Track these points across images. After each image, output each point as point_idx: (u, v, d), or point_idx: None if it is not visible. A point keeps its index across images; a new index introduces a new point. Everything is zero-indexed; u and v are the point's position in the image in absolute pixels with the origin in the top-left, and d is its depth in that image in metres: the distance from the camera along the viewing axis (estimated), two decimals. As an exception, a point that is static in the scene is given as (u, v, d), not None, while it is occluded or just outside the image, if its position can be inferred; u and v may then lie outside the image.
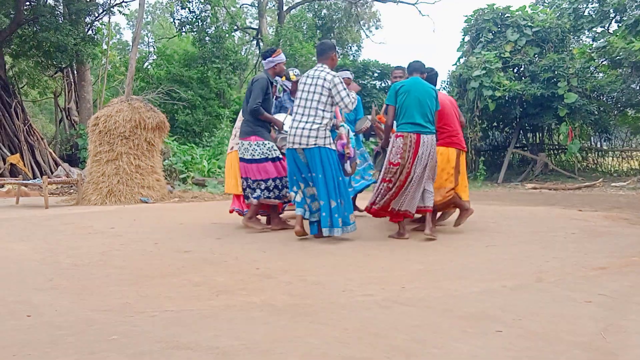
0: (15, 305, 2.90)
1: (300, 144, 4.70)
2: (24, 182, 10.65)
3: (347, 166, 5.17)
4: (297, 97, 4.86)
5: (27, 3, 16.42)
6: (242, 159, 5.34)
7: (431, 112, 4.88)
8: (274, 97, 5.99)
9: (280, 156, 5.31)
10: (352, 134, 5.73)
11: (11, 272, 3.78)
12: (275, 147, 5.30)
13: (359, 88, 6.79)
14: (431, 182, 4.98)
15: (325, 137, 4.71)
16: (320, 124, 4.70)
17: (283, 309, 2.79)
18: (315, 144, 4.67)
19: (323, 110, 4.73)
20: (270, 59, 5.45)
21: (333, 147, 4.80)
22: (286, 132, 5.23)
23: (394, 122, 5.04)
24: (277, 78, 5.75)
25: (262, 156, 5.23)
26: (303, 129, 4.70)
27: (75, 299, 3.03)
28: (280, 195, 5.34)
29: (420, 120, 4.80)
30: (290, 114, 5.52)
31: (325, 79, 4.74)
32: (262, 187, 5.26)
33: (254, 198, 5.28)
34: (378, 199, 4.93)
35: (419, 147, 4.76)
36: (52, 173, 15.36)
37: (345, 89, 4.80)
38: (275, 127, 5.48)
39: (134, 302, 2.94)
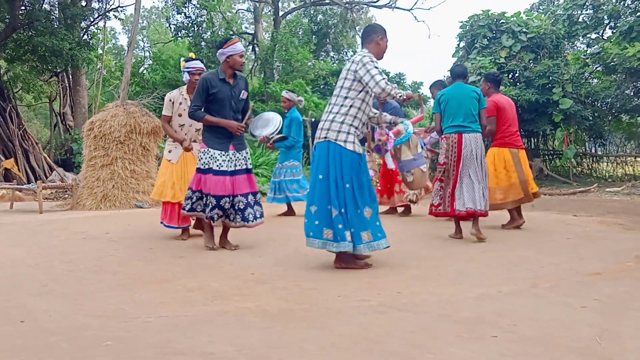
0: (9, 311, 2.88)
1: (318, 138, 3.95)
2: (19, 186, 10.60)
3: (390, 160, 4.51)
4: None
5: (23, 7, 16.39)
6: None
7: (473, 112, 5.16)
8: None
9: (218, 170, 4.55)
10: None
11: (5, 277, 3.75)
12: (214, 157, 4.56)
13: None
14: (485, 186, 5.17)
15: (338, 131, 3.83)
16: (337, 113, 3.89)
17: (278, 315, 2.78)
18: (325, 137, 3.87)
19: (345, 98, 3.90)
20: (221, 50, 4.58)
21: (353, 148, 3.86)
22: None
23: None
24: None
25: (198, 165, 4.69)
26: (325, 120, 3.94)
27: (70, 305, 3.01)
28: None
29: (460, 121, 5.13)
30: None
31: (353, 61, 3.92)
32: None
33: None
34: (437, 199, 5.26)
35: (462, 145, 5.09)
36: (46, 178, 15.31)
37: (377, 67, 3.86)
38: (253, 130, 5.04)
39: (128, 308, 2.92)
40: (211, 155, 4.57)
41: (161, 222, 5.48)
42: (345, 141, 3.83)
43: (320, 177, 3.86)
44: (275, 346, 2.33)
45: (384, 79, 3.81)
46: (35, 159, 16.19)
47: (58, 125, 20.31)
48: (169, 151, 5.43)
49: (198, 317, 2.74)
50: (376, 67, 3.85)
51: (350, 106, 3.89)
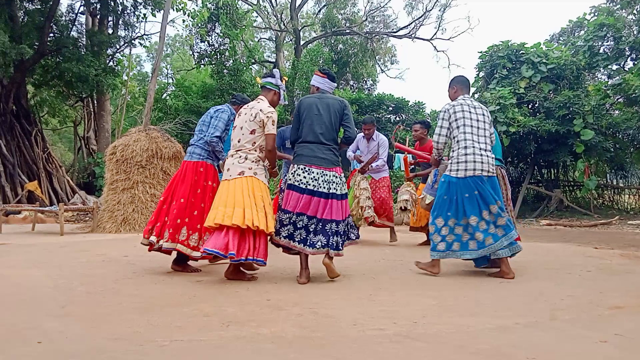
0: (26, 332, 2.92)
1: (489, 171, 4.67)
2: (41, 208, 10.77)
3: None
4: (464, 124, 4.71)
5: (51, 35, 16.89)
6: (319, 193, 4.41)
7: None
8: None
9: None
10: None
11: (24, 298, 3.80)
12: None
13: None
14: None
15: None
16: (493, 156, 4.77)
17: (293, 341, 2.77)
18: (494, 173, 4.74)
19: (490, 145, 4.82)
20: (335, 84, 4.90)
21: None
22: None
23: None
24: None
25: (344, 192, 4.59)
26: (488, 156, 4.70)
27: (87, 327, 3.04)
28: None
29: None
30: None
31: (486, 112, 4.85)
32: (339, 229, 4.45)
33: (334, 247, 4.38)
34: None
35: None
36: (68, 200, 15.55)
37: None
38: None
39: (144, 331, 2.94)
40: None
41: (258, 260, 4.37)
42: None
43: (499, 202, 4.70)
44: (289, 373, 2.32)
45: None
46: (58, 182, 16.49)
47: (82, 149, 20.70)
48: (265, 176, 4.66)
49: (213, 342, 2.75)
50: None
51: None
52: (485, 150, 4.69)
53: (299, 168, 4.48)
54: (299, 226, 4.43)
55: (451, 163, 4.73)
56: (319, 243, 4.37)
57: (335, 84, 4.87)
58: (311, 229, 4.42)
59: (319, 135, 4.50)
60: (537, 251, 6.62)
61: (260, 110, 4.51)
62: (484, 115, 4.79)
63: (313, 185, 4.41)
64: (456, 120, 4.73)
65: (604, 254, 6.35)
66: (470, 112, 4.74)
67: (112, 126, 20.15)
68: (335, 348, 2.67)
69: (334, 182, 4.44)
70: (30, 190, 13.97)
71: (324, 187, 4.42)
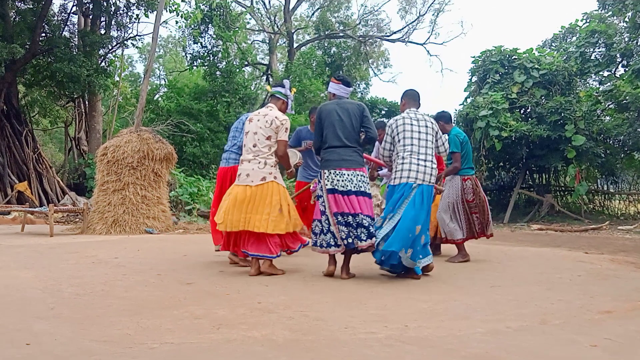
0: (15, 333, 2.89)
1: (430, 182, 4.80)
2: (31, 209, 10.69)
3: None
4: (408, 136, 4.85)
5: (43, 34, 16.80)
6: (355, 192, 4.73)
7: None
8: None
9: None
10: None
11: (13, 300, 3.77)
12: None
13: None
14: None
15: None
16: (432, 162, 4.87)
17: (284, 345, 2.76)
18: (431, 182, 4.83)
19: (432, 155, 4.91)
20: (351, 89, 5.23)
21: None
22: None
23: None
24: None
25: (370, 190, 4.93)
26: (426, 166, 4.81)
27: (76, 329, 3.01)
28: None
29: (472, 164, 6.21)
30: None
31: (433, 124, 5.00)
32: (372, 223, 4.73)
33: (368, 239, 4.66)
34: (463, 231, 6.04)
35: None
36: (59, 201, 15.44)
37: None
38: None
39: (134, 334, 2.91)
40: None
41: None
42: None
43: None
44: (280, 376, 2.31)
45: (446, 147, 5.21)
46: (48, 183, 16.38)
47: (72, 150, 20.58)
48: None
49: (203, 345, 2.73)
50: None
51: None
52: (425, 160, 4.82)
53: (330, 173, 4.75)
54: (353, 224, 4.68)
55: (393, 172, 4.94)
56: (363, 235, 4.66)
57: (351, 89, 5.15)
58: (356, 224, 4.69)
59: (343, 139, 4.79)
60: (528, 255, 6.64)
61: (276, 117, 4.91)
62: (426, 127, 4.93)
63: (350, 186, 4.71)
64: (397, 134, 4.94)
65: (594, 259, 6.38)
66: (412, 124, 4.91)
67: (103, 127, 20.03)
68: (326, 351, 2.67)
69: (362, 180, 4.79)
70: (20, 191, 13.87)
71: (357, 186, 4.74)
